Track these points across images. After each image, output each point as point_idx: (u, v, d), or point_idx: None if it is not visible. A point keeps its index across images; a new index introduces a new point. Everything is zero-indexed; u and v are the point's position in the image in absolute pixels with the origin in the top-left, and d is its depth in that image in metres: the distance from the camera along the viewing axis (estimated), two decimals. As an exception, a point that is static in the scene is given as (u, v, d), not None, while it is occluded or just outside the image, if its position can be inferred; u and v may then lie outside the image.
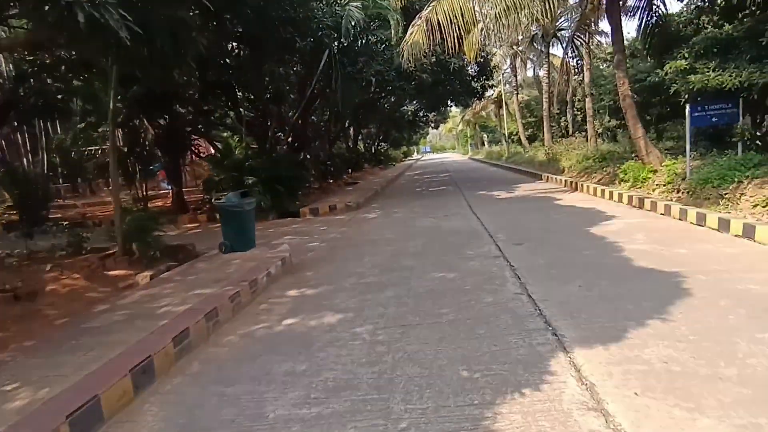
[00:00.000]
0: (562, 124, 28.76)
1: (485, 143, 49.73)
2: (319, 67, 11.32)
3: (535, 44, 24.71)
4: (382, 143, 41.23)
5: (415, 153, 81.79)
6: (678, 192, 8.63)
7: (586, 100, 16.60)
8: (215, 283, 4.99)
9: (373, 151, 37.50)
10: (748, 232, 5.48)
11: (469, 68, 15.44)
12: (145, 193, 12.89)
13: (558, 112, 28.27)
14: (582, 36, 18.46)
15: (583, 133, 22.87)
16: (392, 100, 31.26)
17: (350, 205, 12.40)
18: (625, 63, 10.61)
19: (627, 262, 4.90)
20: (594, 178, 13.14)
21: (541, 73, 31.45)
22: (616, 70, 10.64)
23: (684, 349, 2.82)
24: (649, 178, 10.29)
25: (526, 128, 38.33)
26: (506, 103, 34.71)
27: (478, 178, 19.76)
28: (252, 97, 13.66)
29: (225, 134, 16.43)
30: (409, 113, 38.16)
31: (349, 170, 25.70)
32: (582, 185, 12.30)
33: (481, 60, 15.15)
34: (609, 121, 21.38)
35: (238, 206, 6.51)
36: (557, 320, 3.45)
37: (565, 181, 13.83)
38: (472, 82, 16.48)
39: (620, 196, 9.60)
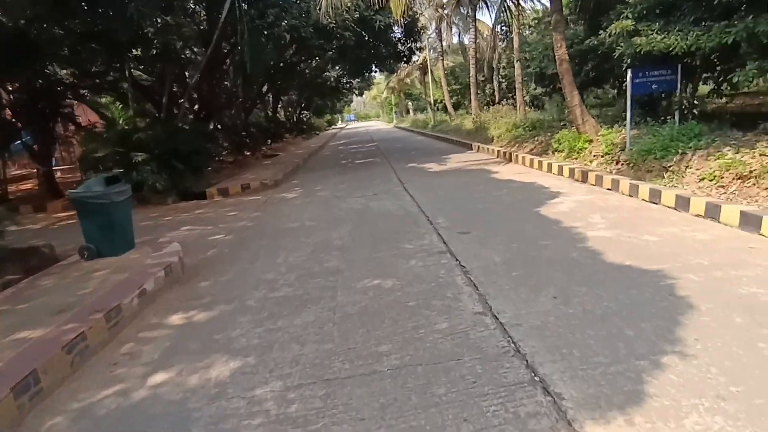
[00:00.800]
0: (488, 91, 28.58)
1: (410, 111, 48.98)
2: (221, 19, 9.40)
3: (461, 8, 23.78)
4: (304, 111, 38.90)
5: (340, 121, 79.48)
6: (617, 164, 8.19)
7: (515, 66, 16.05)
8: (55, 316, 3.47)
9: (294, 119, 35.19)
10: (712, 212, 4.94)
11: (395, 28, 14.05)
12: (2, 174, 10.32)
13: (483, 79, 27.96)
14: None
15: (510, 102, 22.70)
16: (313, 64, 29.18)
17: (267, 183, 10.84)
18: (564, 25, 9.90)
19: (597, 257, 4.09)
20: (525, 148, 12.67)
21: (467, 39, 30.94)
22: (553, 32, 9.90)
23: (736, 415, 1.94)
24: (585, 148, 9.87)
25: (452, 96, 37.96)
26: (431, 70, 33.86)
27: (405, 148, 18.79)
28: (142, 55, 11.31)
29: (108, 100, 13.79)
30: (332, 79, 36.14)
31: (269, 141, 23.58)
32: (515, 156, 11.73)
33: (408, 20, 13.82)
34: (535, 89, 21.32)
35: (102, 197, 4.85)
36: (543, 363, 2.47)
37: (497, 151, 13.26)
38: (399, 45, 15.17)
39: (560, 169, 9.03)
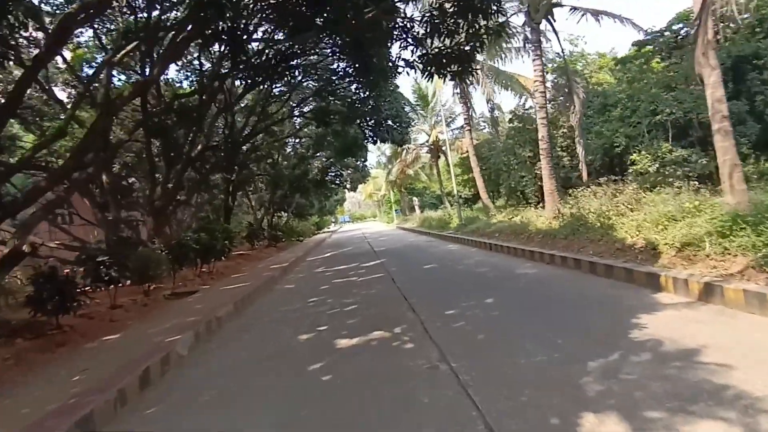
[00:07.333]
0: (537, 172, 19.74)
1: (416, 208, 40.36)
2: None
3: (495, 55, 15.82)
4: (281, 212, 29.92)
5: (333, 224, 71.27)
6: None
7: (714, 108, 6.77)
8: None
9: (265, 224, 25.95)
10: None
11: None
12: None
13: (531, 155, 19.28)
14: None
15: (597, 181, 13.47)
16: (287, 149, 20.98)
17: None
18: None
19: None
20: None
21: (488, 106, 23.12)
22: None
23: None
24: None
25: (465, 185, 29.41)
26: (445, 151, 25.53)
27: (449, 276, 9.05)
28: None
29: None
30: (316, 170, 27.82)
31: (196, 260, 13.87)
32: None
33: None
34: (670, 151, 12.20)
35: None
36: None
37: None
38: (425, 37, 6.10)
39: None
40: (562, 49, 14.59)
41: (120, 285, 9.21)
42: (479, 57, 16.43)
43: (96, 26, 13.12)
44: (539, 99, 12.53)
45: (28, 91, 13.87)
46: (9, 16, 7.03)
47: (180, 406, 3.83)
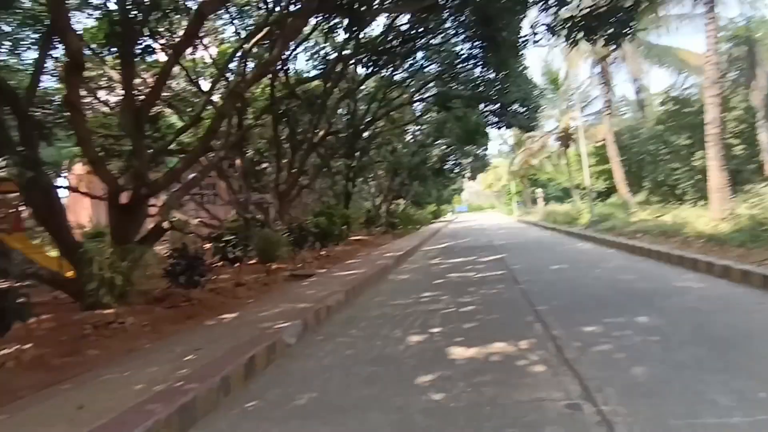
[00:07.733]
0: (694, 163, 16.58)
1: (539, 201, 37.51)
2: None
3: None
4: (399, 200, 30.03)
5: (450, 213, 70.17)
6: None
7: None
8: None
9: (382, 210, 26.25)
10: None
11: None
12: None
13: (689, 142, 16.28)
14: None
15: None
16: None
17: None
18: None
19: None
20: None
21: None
22: None
23: None
24: None
25: (597, 177, 26.20)
26: (576, 139, 22.97)
27: (582, 282, 7.80)
28: None
29: None
30: (436, 158, 27.28)
31: (315, 243, 14.31)
32: None
33: None
34: None
35: None
36: None
37: None
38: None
39: None
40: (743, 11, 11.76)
41: (245, 263, 9.75)
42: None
43: (235, 21, 14.13)
44: (711, 73, 10.19)
45: (182, 85, 15.54)
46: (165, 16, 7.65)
47: (277, 406, 3.55)
